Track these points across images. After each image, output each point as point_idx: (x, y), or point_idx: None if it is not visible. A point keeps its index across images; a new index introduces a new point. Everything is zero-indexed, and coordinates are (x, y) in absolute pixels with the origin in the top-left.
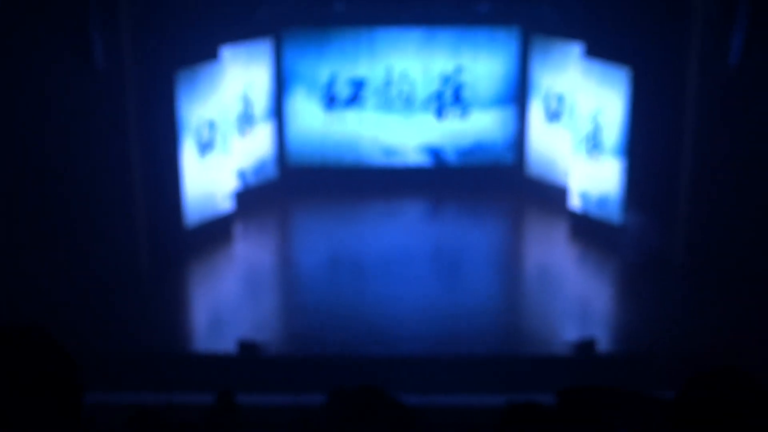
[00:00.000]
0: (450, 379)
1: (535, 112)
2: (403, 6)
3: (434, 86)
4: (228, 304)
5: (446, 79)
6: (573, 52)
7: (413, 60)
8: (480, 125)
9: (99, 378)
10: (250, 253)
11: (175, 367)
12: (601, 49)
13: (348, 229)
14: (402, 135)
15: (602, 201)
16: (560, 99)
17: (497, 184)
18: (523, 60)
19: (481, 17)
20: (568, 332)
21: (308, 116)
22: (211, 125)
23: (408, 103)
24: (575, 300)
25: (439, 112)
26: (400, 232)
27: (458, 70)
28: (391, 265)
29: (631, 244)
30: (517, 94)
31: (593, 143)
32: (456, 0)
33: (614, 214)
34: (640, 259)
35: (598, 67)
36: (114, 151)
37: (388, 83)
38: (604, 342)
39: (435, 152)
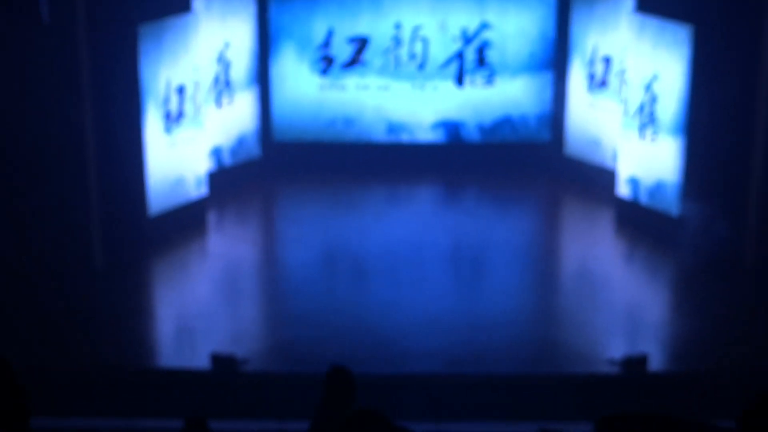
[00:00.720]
0: (469, 404)
1: (576, 79)
2: None
3: (453, 47)
4: (200, 309)
5: (468, 38)
6: (623, 6)
7: (427, 14)
8: (509, 95)
9: (46, 400)
10: (226, 248)
11: (135, 386)
12: (658, 2)
13: (346, 220)
14: (413, 107)
15: (657, 188)
16: (607, 63)
17: (529, 165)
18: (562, 15)
19: None
20: (613, 347)
21: (299, 82)
22: (181, 92)
23: (421, 68)
24: (623, 308)
25: (459, 79)
26: (409, 223)
27: (483, 26)
28: (398, 264)
29: (691, 241)
30: (555, 58)
31: (647, 118)
32: None
33: (671, 203)
34: (702, 259)
35: (653, 25)
36: (63, 122)
37: (397, 43)
38: (656, 359)
39: (453, 128)
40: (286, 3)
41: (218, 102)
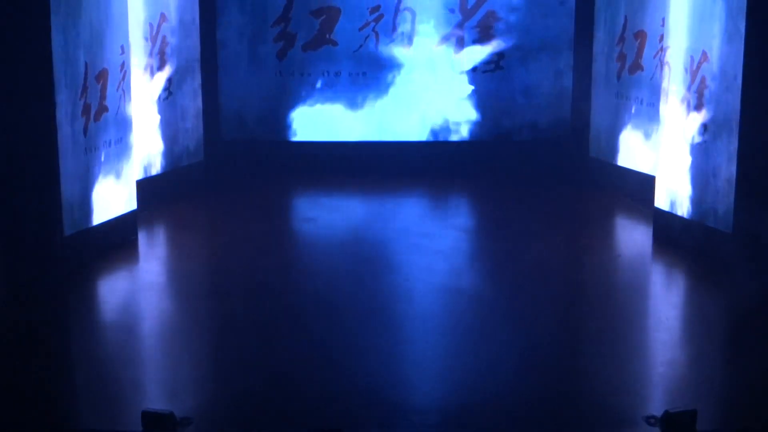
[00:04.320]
0: None
1: (603, 61)
2: None
3: (449, 20)
4: (127, 353)
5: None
6: None
7: None
8: (518, 81)
9: None
10: (160, 274)
11: None
12: None
13: (313, 238)
14: (395, 105)
15: (705, 197)
16: (642, 41)
17: (545, 169)
18: None
19: None
20: (652, 401)
21: (252, 67)
22: (103, 80)
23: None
24: (663, 351)
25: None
26: (391, 243)
27: None
28: (378, 296)
29: (747, 266)
30: (576, 34)
31: (693, 110)
32: None
33: (723, 217)
34: (763, 288)
35: None
36: None
37: (375, 16)
38: (706, 416)
39: (446, 130)
40: None
41: (152, 90)
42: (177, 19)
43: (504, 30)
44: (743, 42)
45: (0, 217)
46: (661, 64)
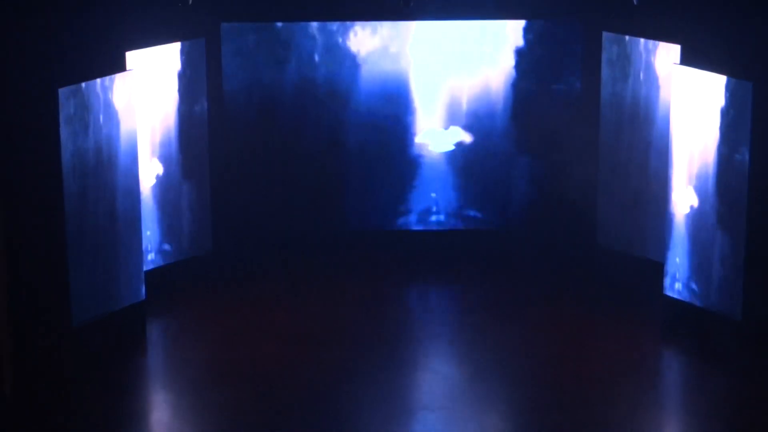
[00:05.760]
0: None
1: (610, 147)
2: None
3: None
4: None
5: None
6: (666, 57)
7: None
8: (525, 168)
9: None
10: (169, 365)
11: None
12: (709, 54)
13: (320, 328)
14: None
15: (713, 285)
16: (648, 127)
17: (551, 257)
18: (588, 68)
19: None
20: None
21: (260, 159)
22: (113, 169)
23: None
24: None
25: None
26: (395, 331)
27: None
28: (384, 386)
29: (757, 353)
30: (581, 116)
31: (700, 195)
32: None
33: (732, 305)
34: None
35: (705, 80)
36: None
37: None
38: None
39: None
40: (244, 54)
41: (160, 181)
42: (185, 110)
43: (510, 120)
44: (750, 128)
45: (9, 308)
46: (667, 150)
